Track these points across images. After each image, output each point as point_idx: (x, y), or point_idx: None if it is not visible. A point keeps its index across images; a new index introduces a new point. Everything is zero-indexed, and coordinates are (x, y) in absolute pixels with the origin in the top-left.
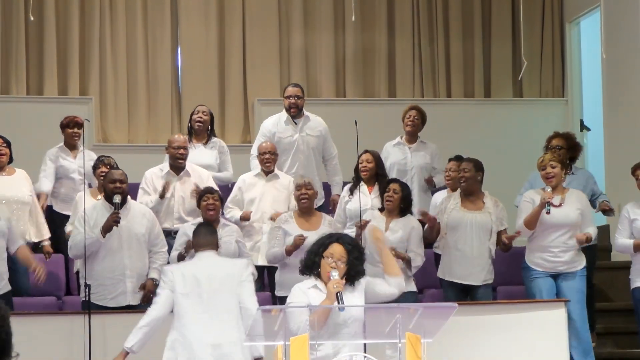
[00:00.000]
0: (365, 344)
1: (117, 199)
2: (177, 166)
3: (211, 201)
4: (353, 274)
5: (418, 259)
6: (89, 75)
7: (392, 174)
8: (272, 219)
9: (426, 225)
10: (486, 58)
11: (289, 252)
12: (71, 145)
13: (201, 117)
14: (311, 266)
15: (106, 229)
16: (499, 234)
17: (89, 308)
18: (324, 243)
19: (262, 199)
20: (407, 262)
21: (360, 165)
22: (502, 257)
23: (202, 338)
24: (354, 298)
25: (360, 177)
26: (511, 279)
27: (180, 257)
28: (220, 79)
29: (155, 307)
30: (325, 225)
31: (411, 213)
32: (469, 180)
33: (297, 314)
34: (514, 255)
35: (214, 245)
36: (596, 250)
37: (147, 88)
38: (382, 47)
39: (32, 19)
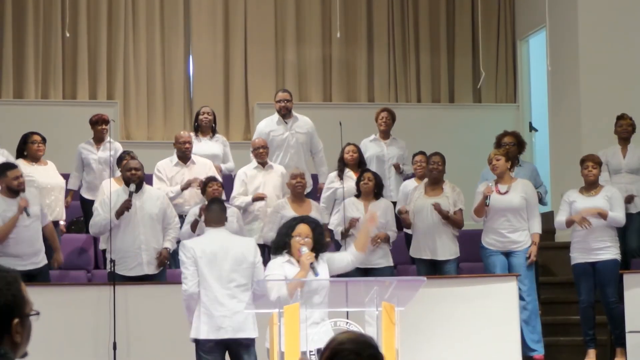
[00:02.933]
0: (347, 312)
1: (131, 187)
2: (184, 157)
3: (215, 187)
4: (319, 247)
5: (394, 235)
6: (115, 83)
7: (372, 164)
8: (256, 197)
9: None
10: (450, 69)
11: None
12: (99, 139)
13: (207, 117)
14: (283, 246)
15: (119, 212)
16: (454, 213)
17: (114, 279)
18: (291, 225)
19: (264, 187)
20: (387, 239)
21: (346, 155)
22: (465, 237)
23: (221, 310)
24: (321, 269)
25: (345, 164)
26: (474, 256)
27: (193, 226)
28: (225, 86)
29: (189, 284)
30: (314, 211)
31: (382, 195)
32: (439, 172)
33: (277, 286)
34: (477, 236)
35: (224, 222)
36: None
37: (163, 93)
38: (363, 59)
39: (67, 35)
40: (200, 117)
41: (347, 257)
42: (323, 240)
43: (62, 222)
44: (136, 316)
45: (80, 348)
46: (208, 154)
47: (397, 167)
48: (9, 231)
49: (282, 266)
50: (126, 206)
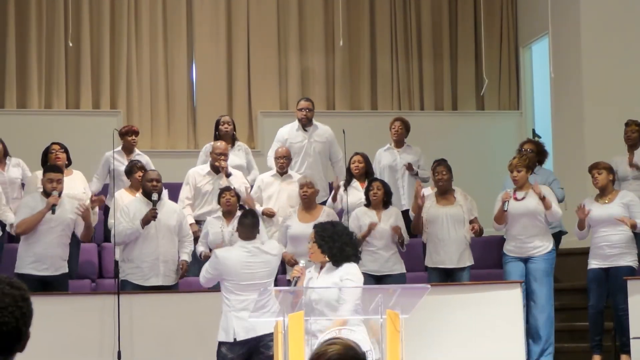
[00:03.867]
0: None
1: (155, 196)
2: (217, 168)
3: (228, 197)
4: (325, 250)
5: (406, 237)
6: (118, 91)
7: (385, 174)
8: (267, 213)
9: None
10: (453, 76)
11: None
12: (129, 150)
13: (227, 127)
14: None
15: (145, 221)
16: (471, 222)
17: (118, 289)
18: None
19: (278, 196)
20: (402, 242)
21: (352, 165)
22: (480, 243)
23: (240, 322)
24: (324, 281)
25: (352, 175)
26: (485, 262)
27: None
28: (228, 94)
29: (205, 280)
30: (324, 216)
31: (391, 203)
32: (446, 181)
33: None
34: (488, 243)
35: (255, 235)
36: (560, 236)
37: (166, 101)
38: (366, 66)
39: (70, 44)
40: (221, 127)
41: (339, 307)
42: (331, 243)
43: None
44: (141, 326)
45: (84, 358)
46: (232, 165)
47: (409, 167)
48: (34, 224)
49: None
50: (152, 215)
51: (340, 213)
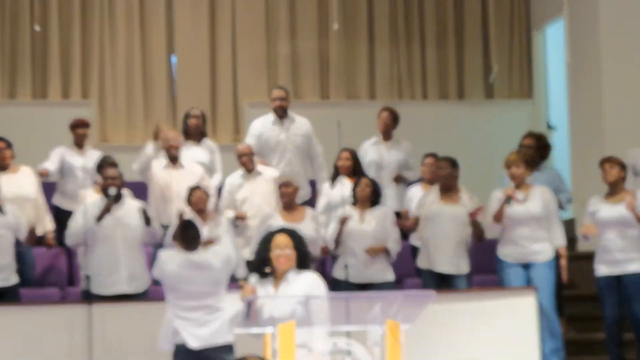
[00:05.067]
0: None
1: (112, 191)
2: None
3: (199, 194)
4: (302, 259)
5: (397, 247)
6: (90, 80)
7: (370, 171)
8: (239, 216)
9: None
10: (459, 62)
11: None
12: (79, 144)
13: (195, 121)
14: (264, 264)
15: (99, 216)
16: (473, 224)
17: (89, 298)
18: (268, 238)
19: (252, 197)
20: (386, 252)
21: (339, 162)
22: (477, 247)
23: (188, 328)
24: (293, 290)
25: (338, 172)
26: (486, 268)
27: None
28: (212, 83)
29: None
30: (309, 219)
31: (379, 203)
32: (445, 177)
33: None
34: (490, 246)
35: (197, 246)
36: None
37: (143, 91)
38: (363, 53)
39: (37, 28)
40: (188, 120)
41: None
42: (305, 250)
43: (49, 235)
44: (115, 338)
45: None
46: (195, 161)
47: (398, 179)
48: None
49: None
50: (107, 209)
51: None
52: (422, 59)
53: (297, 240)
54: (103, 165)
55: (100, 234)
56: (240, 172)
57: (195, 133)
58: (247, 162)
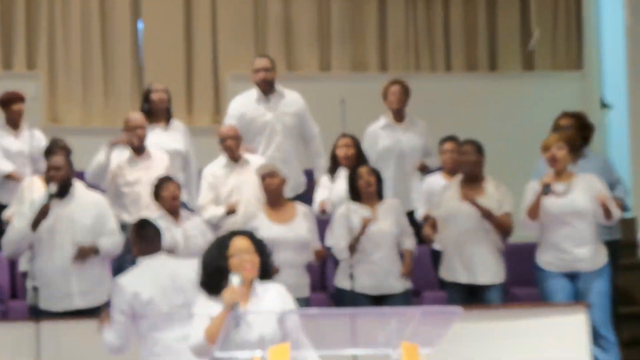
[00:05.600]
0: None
1: (51, 188)
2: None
3: (172, 188)
4: (265, 264)
5: (413, 242)
6: (37, 48)
7: (388, 161)
8: (230, 210)
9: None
10: (491, 26)
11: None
12: (14, 124)
13: (161, 96)
14: (219, 276)
15: (35, 223)
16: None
17: (37, 314)
18: (222, 243)
19: (240, 190)
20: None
21: (338, 151)
22: (514, 252)
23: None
24: (267, 306)
25: (337, 164)
26: (526, 279)
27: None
28: (187, 52)
29: (113, 337)
30: (300, 217)
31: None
32: (472, 165)
33: (195, 332)
34: (530, 251)
35: (160, 247)
36: (619, 246)
37: (103, 62)
38: (373, 13)
39: None
40: (153, 96)
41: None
42: (268, 259)
43: None
44: None
45: None
46: (168, 150)
47: (423, 169)
48: None
49: (208, 305)
50: (43, 212)
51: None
52: (444, 21)
53: (259, 244)
54: (53, 149)
55: (45, 238)
56: (222, 160)
57: (161, 112)
58: (232, 146)
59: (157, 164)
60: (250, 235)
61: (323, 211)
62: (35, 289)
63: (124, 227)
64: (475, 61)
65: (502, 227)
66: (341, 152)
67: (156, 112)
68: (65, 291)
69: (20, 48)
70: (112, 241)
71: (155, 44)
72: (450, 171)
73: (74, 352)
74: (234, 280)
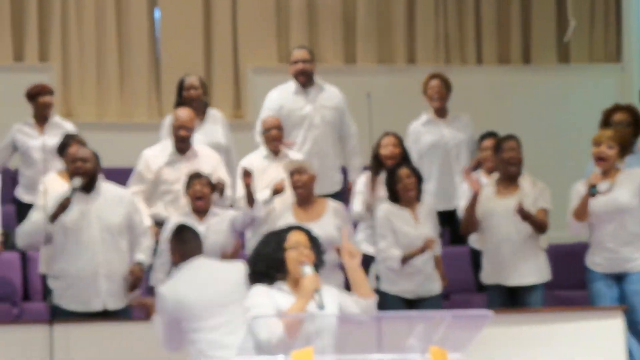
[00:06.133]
0: None
1: (75, 182)
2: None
3: (198, 187)
4: (319, 261)
5: (439, 243)
6: (50, 39)
7: (433, 158)
8: (277, 190)
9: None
10: (525, 16)
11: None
12: (42, 117)
13: (194, 92)
14: (277, 267)
15: (54, 215)
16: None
17: (58, 316)
18: (280, 236)
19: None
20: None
21: (383, 151)
22: (557, 253)
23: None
24: (331, 303)
25: (381, 164)
26: (570, 281)
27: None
28: (206, 44)
29: (162, 337)
30: (330, 213)
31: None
32: (520, 162)
33: (268, 323)
34: (574, 252)
35: (201, 249)
36: None
37: (119, 54)
38: (400, 3)
39: None
40: (185, 92)
41: (353, 310)
42: (322, 257)
43: None
44: None
45: None
46: (208, 143)
47: (477, 166)
48: None
49: (270, 294)
50: (64, 205)
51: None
52: (476, 11)
53: (314, 241)
54: (67, 143)
55: (71, 238)
56: (262, 152)
57: (195, 106)
58: (276, 137)
59: (203, 161)
60: (306, 231)
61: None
62: (55, 290)
63: (159, 223)
64: (508, 53)
65: (537, 224)
66: (386, 151)
67: (189, 104)
68: (93, 292)
69: (32, 38)
70: (149, 253)
71: (173, 35)
72: (490, 170)
73: (88, 354)
74: (307, 269)
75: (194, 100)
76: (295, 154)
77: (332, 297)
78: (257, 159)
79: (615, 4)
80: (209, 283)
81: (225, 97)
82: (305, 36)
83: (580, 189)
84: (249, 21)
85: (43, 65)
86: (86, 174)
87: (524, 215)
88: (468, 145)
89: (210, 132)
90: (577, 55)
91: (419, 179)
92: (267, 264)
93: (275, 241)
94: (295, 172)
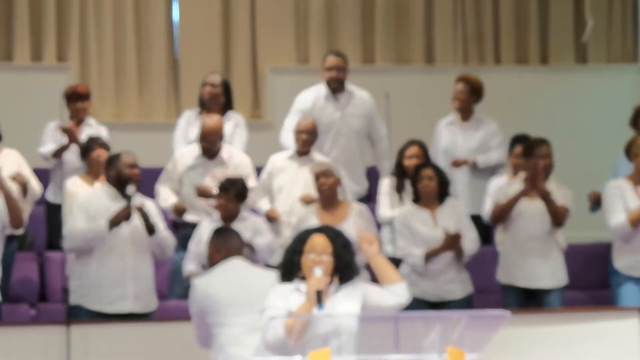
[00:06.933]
0: None
1: (131, 189)
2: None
3: (222, 202)
4: (342, 267)
5: (473, 245)
6: (69, 39)
7: (439, 161)
8: (305, 201)
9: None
10: (543, 16)
11: None
12: (78, 119)
13: (211, 89)
14: (291, 268)
15: (115, 222)
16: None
17: (68, 317)
18: (302, 237)
19: (292, 186)
20: (460, 254)
21: (405, 161)
22: (575, 254)
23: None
24: (349, 302)
25: (405, 174)
26: (589, 282)
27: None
28: (224, 43)
29: (195, 335)
30: (353, 216)
31: (449, 195)
32: (551, 168)
33: (276, 324)
34: (592, 253)
35: (242, 249)
36: None
37: (137, 54)
38: (418, 2)
39: None
40: (202, 90)
41: (392, 300)
42: (348, 258)
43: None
44: None
45: None
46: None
47: (457, 164)
48: None
49: (286, 296)
50: (126, 214)
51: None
52: (494, 11)
53: (339, 245)
54: (91, 147)
55: (109, 240)
56: (288, 152)
57: (214, 106)
58: (308, 140)
59: (231, 168)
60: (330, 234)
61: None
62: (80, 290)
63: (183, 225)
64: (526, 54)
65: (556, 212)
66: (410, 163)
67: (209, 105)
68: (121, 293)
69: (50, 38)
70: (172, 247)
71: (191, 35)
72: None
73: (106, 356)
74: (317, 271)
75: (212, 98)
76: (319, 156)
77: (353, 296)
78: (281, 158)
79: (633, 3)
80: (240, 282)
81: (243, 97)
82: (324, 36)
83: (621, 186)
84: (268, 21)
85: (61, 65)
86: (139, 181)
87: (544, 194)
88: (476, 152)
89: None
90: (594, 55)
91: (442, 181)
92: (287, 265)
93: (297, 243)
94: (322, 175)
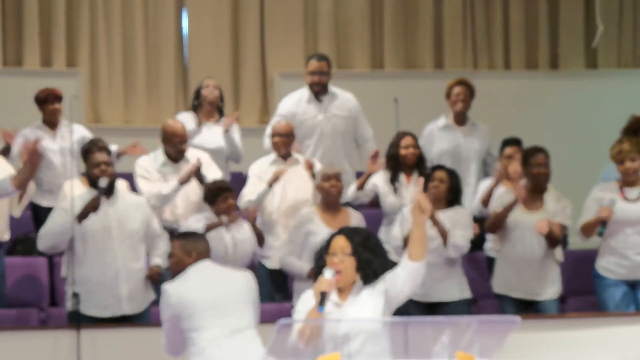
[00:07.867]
0: None
1: (102, 182)
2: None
3: (232, 202)
4: (364, 265)
5: (461, 241)
6: (78, 44)
7: (443, 163)
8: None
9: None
10: (553, 21)
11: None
12: (52, 123)
13: (213, 92)
14: (319, 271)
15: (83, 214)
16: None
17: (78, 321)
18: (326, 242)
19: (284, 189)
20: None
21: (403, 151)
22: (572, 260)
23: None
24: (367, 303)
25: (399, 164)
26: (584, 288)
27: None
28: (233, 49)
29: (165, 342)
30: (354, 223)
31: (459, 203)
32: (547, 176)
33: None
34: (588, 260)
35: (209, 252)
36: None
37: (146, 59)
38: (427, 8)
39: None
40: (203, 91)
41: (399, 275)
42: (369, 255)
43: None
44: None
45: None
46: (213, 147)
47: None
48: None
49: (310, 300)
50: (93, 205)
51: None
52: (504, 16)
53: (357, 243)
54: (91, 149)
55: (91, 242)
56: (271, 157)
57: (212, 108)
58: (280, 143)
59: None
60: (348, 233)
61: None
62: (76, 295)
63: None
64: (536, 59)
65: (551, 238)
66: (406, 152)
67: (206, 108)
68: (114, 297)
69: (59, 44)
70: (165, 257)
71: (200, 40)
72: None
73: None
74: (326, 273)
75: (211, 102)
76: (301, 158)
77: (376, 291)
78: (265, 162)
79: None
80: (215, 285)
81: (252, 102)
82: (333, 41)
83: (599, 195)
84: (277, 26)
85: (71, 70)
86: (112, 175)
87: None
88: (480, 156)
89: (220, 136)
90: (605, 60)
91: (453, 186)
92: (317, 268)
93: (323, 246)
94: (333, 177)
